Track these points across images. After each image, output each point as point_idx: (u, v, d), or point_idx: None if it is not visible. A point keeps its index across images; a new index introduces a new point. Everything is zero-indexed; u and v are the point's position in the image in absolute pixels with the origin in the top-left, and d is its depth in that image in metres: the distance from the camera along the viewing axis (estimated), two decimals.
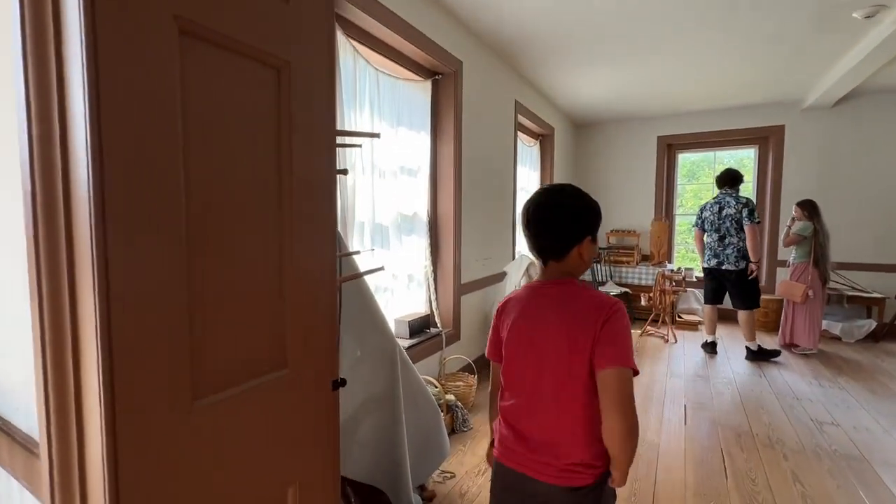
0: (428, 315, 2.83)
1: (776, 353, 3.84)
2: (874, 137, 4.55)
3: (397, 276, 2.67)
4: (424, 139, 2.82)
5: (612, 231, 5.67)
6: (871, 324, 4.36)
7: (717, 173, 3.95)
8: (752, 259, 3.76)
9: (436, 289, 3.00)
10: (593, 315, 0.92)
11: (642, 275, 5.23)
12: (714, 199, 3.93)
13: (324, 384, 0.84)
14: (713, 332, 4.09)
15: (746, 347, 3.89)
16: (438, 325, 2.96)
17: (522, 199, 4.53)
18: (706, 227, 3.92)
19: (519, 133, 4.30)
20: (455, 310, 3.05)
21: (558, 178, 5.31)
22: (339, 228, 2.16)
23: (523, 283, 3.20)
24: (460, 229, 3.06)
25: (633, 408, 0.88)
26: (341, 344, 1.77)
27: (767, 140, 5.08)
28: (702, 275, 4.10)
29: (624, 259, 5.43)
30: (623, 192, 5.80)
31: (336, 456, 0.88)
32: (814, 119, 4.79)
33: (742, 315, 3.86)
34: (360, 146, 2.02)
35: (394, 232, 2.57)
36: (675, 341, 4.38)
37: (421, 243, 2.86)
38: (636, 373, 0.90)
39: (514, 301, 1.06)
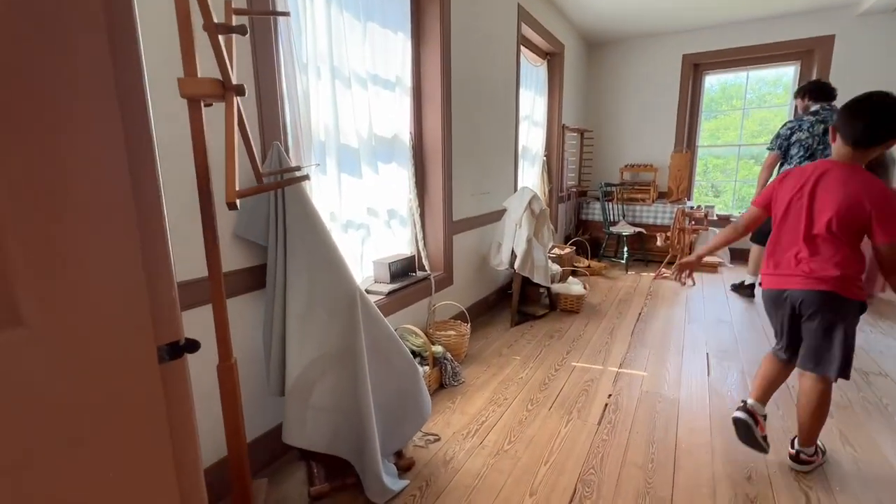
0: (413, 256, 2.44)
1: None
2: None
3: (374, 212, 2.26)
4: (403, 43, 2.29)
5: (626, 166, 5.13)
6: None
7: (804, 85, 3.04)
8: None
9: (423, 227, 2.59)
10: (875, 195, 1.29)
11: (658, 213, 4.76)
12: (811, 115, 2.92)
13: (142, 352, 0.47)
14: (756, 272, 3.53)
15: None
16: (427, 267, 2.58)
17: (526, 129, 4.00)
18: (794, 150, 2.96)
19: (523, 49, 3.69)
20: (446, 251, 2.66)
21: (569, 105, 4.71)
22: (291, 145, 1.73)
23: (525, 218, 2.78)
24: (450, 158, 2.60)
25: None
26: (288, 286, 1.39)
27: (812, 55, 4.39)
28: (725, 213, 3.63)
29: (638, 196, 4.94)
30: (640, 121, 5.20)
31: (194, 469, 0.53)
32: (872, 27, 4.07)
33: None
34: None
35: (366, 157, 2.12)
36: (693, 284, 4.00)
37: (403, 173, 2.42)
38: None
39: (800, 171, 1.45)
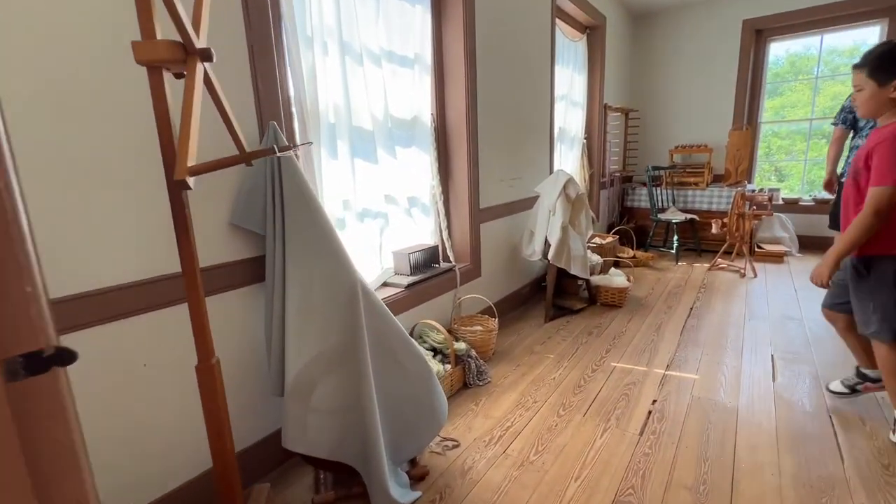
0: (436, 247, 2.29)
1: None
2: None
3: (393, 199, 2.13)
4: (422, 16, 2.12)
5: (676, 147, 4.71)
6: None
7: (869, 52, 2.67)
8: None
9: (447, 215, 2.43)
10: None
11: (713, 198, 4.33)
12: None
13: None
14: None
15: None
16: (451, 259, 2.42)
17: (563, 110, 3.73)
18: (863, 122, 2.63)
19: (558, 22, 3.41)
20: (473, 241, 2.49)
21: (611, 83, 4.36)
22: (297, 128, 1.61)
23: (560, 205, 2.55)
24: (476, 141, 2.41)
25: None
26: (287, 278, 1.28)
27: None
28: (792, 197, 3.19)
29: (691, 180, 4.51)
30: (693, 98, 4.74)
31: None
32: None
33: None
34: None
35: (383, 140, 1.99)
36: (755, 276, 3.59)
37: (424, 158, 2.26)
38: None
39: None
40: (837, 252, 1.42)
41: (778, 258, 4.01)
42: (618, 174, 4.65)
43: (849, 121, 2.67)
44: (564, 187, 2.54)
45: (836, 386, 1.82)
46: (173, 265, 1.18)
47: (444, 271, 2.30)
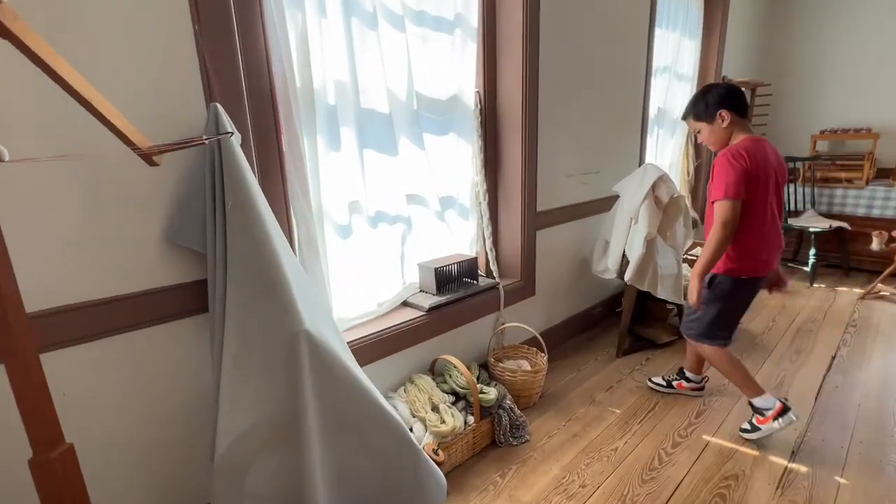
0: (474, 259, 1.84)
1: None
2: None
3: (421, 200, 1.72)
4: None
5: (822, 132, 3.62)
6: None
7: None
8: None
9: (492, 219, 1.95)
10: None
11: (876, 201, 3.24)
12: None
13: None
14: None
15: None
16: (495, 273, 1.96)
17: (664, 85, 2.99)
18: None
19: None
20: (525, 251, 1.99)
21: (734, 50, 3.44)
22: (282, 111, 1.27)
23: (646, 210, 1.93)
24: (535, 126, 1.89)
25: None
26: (227, 313, 0.96)
27: None
28: None
29: (842, 176, 3.43)
30: (851, 63, 3.58)
31: None
32: None
33: None
34: None
35: (405, 126, 1.58)
36: None
37: (465, 148, 1.81)
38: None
39: (758, 147, 1.44)
40: (700, 268, 1.46)
41: None
42: None
43: None
44: (653, 188, 1.91)
45: (657, 379, 1.87)
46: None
47: (484, 289, 1.85)
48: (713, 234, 1.40)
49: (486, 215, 1.90)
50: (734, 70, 3.52)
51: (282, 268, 0.90)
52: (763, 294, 3.03)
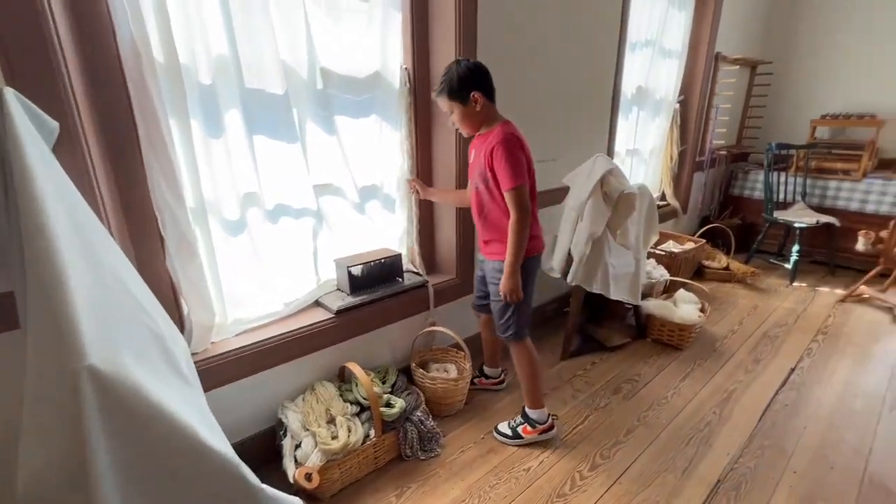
0: (397, 256, 1.69)
1: None
2: None
3: (337, 191, 1.56)
4: None
5: (823, 117, 3.33)
6: None
7: None
8: None
9: (418, 210, 1.79)
10: None
11: (871, 195, 3.01)
12: None
13: None
14: None
15: None
16: (421, 271, 1.80)
17: (646, 61, 2.74)
18: None
19: None
20: (462, 246, 1.84)
21: (731, 23, 3.12)
22: (133, 94, 1.10)
23: (591, 207, 1.75)
24: None
25: None
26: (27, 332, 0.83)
27: None
28: None
29: (838, 166, 3.18)
30: (861, 43, 3.26)
31: None
32: None
33: None
34: None
35: (311, 108, 1.40)
36: None
37: (390, 132, 1.63)
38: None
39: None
40: (513, 261, 1.36)
41: None
42: (724, 152, 3.46)
43: None
44: (601, 182, 1.72)
45: (504, 429, 1.61)
46: None
47: (410, 288, 1.71)
48: (518, 222, 1.34)
49: (417, 207, 1.74)
50: (731, 45, 3.22)
51: (64, 287, 0.76)
52: (736, 294, 2.88)
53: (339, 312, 1.51)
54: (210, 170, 1.25)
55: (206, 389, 1.17)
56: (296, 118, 1.38)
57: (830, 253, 3.10)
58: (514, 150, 1.32)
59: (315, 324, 1.48)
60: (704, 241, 2.96)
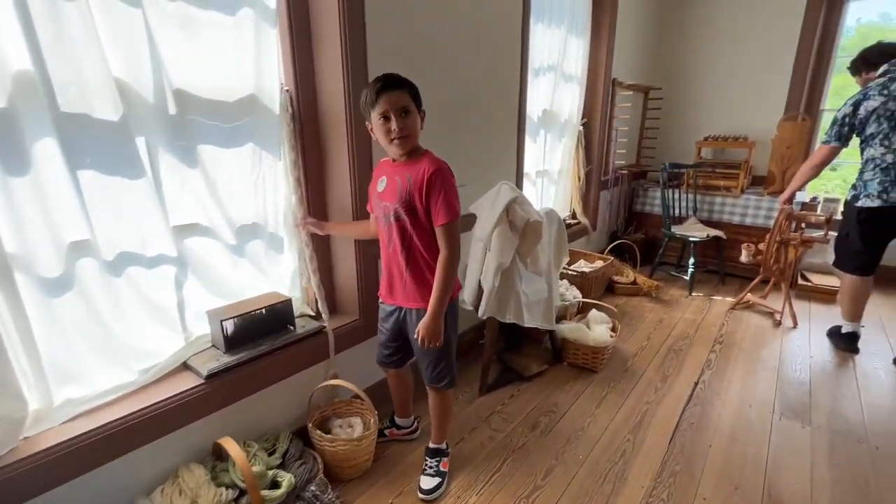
0: (287, 301, 1.48)
1: None
2: None
3: (205, 230, 1.32)
4: None
5: (705, 139, 3.66)
6: None
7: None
8: None
9: (316, 248, 1.60)
10: None
11: (749, 210, 3.33)
12: (892, 71, 2.05)
13: None
14: (859, 317, 2.33)
15: None
16: (319, 312, 1.61)
17: (548, 85, 2.79)
18: (876, 127, 2.05)
19: None
20: (364, 283, 1.67)
21: (625, 52, 3.33)
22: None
23: (498, 236, 1.68)
24: (369, 133, 1.55)
25: None
26: None
27: None
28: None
29: (721, 184, 3.50)
30: (735, 75, 3.65)
31: None
32: None
33: None
34: None
35: (162, 135, 1.17)
36: (795, 325, 2.65)
37: (273, 162, 1.43)
38: None
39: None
40: (441, 302, 1.23)
41: (829, 296, 3.02)
42: (624, 172, 3.66)
43: (844, 136, 2.16)
44: (507, 210, 1.66)
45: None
46: None
47: (305, 336, 1.51)
48: (449, 260, 1.21)
49: (310, 244, 1.54)
50: (626, 72, 3.42)
51: None
52: (643, 308, 3.02)
53: (210, 377, 1.27)
54: (13, 216, 0.97)
55: (15, 502, 0.89)
56: (142, 149, 1.14)
57: (720, 263, 3.37)
58: (452, 180, 1.22)
59: (180, 394, 1.22)
60: (612, 257, 3.07)
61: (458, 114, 1.95)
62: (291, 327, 1.50)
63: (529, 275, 1.89)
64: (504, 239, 1.67)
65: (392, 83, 1.14)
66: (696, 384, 2.05)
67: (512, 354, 2.20)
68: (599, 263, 2.89)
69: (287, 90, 1.43)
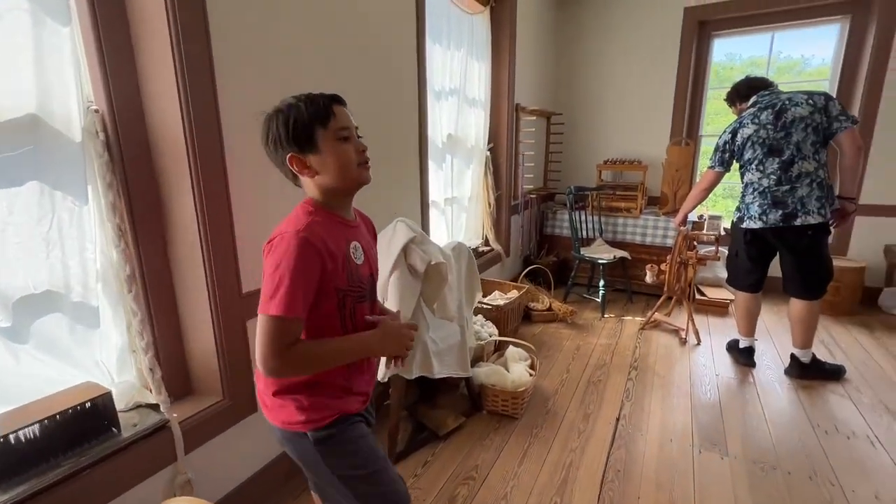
0: (106, 395, 1.08)
1: (839, 371, 2.26)
2: None
3: None
4: None
5: (605, 162, 3.80)
6: None
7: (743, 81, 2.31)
8: (849, 195, 2.10)
9: (149, 316, 1.22)
10: None
11: (647, 230, 3.46)
12: (760, 101, 2.18)
13: None
14: (753, 331, 2.45)
15: (793, 357, 2.28)
16: (161, 403, 1.22)
17: (451, 110, 2.65)
18: (752, 154, 2.17)
19: None
20: (225, 354, 1.31)
21: (527, 79, 3.34)
22: None
23: (396, 283, 1.43)
24: (220, 163, 1.23)
25: None
26: None
27: (871, 4, 3.07)
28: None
29: (621, 205, 3.62)
30: (626, 102, 3.85)
31: None
32: None
33: (806, 308, 2.20)
34: None
35: None
36: (699, 342, 2.73)
37: (76, 208, 1.05)
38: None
39: None
40: None
41: (722, 308, 3.21)
42: (532, 196, 3.66)
43: (725, 161, 2.28)
44: (405, 251, 1.42)
45: None
46: None
47: (138, 438, 1.11)
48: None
49: (138, 311, 1.16)
50: (528, 97, 3.44)
51: None
52: (560, 335, 2.96)
53: None
54: None
55: None
56: None
57: (627, 282, 3.46)
58: None
59: None
60: (527, 285, 2.97)
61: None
62: (114, 429, 1.10)
63: (438, 321, 1.66)
64: (404, 286, 1.42)
65: (339, 98, 0.85)
66: (618, 420, 1.95)
67: (426, 408, 1.94)
68: (514, 293, 2.77)
69: (96, 110, 1.06)
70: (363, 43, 1.72)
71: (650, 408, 2.04)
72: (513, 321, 2.77)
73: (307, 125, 0.80)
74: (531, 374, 2.06)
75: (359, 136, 0.87)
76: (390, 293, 1.41)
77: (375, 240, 1.03)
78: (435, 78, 2.43)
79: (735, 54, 3.82)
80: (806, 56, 3.55)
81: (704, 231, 3.40)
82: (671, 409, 2.03)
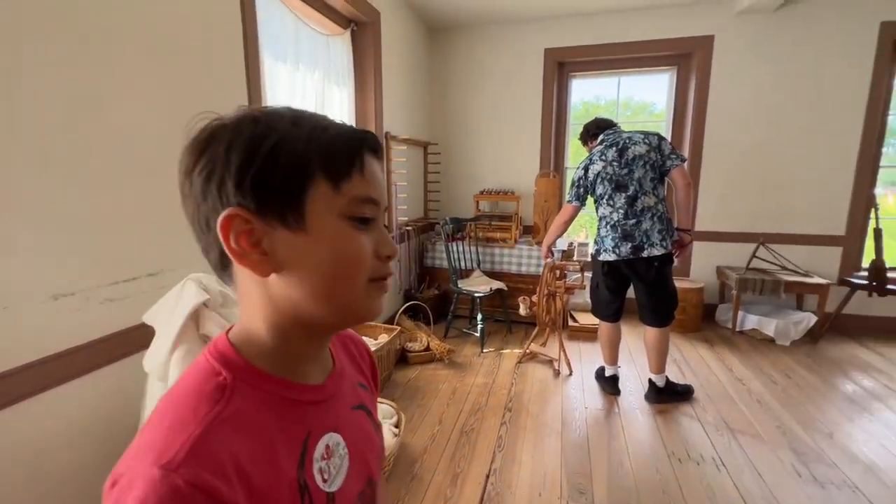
0: None
1: (689, 391, 2.43)
2: (834, 51, 3.19)
3: None
4: None
5: (481, 192, 3.81)
6: (809, 318, 3.19)
7: (595, 120, 2.44)
8: (685, 227, 2.26)
9: None
10: None
11: (522, 259, 3.50)
12: (606, 139, 2.31)
13: None
14: (616, 359, 2.53)
15: (651, 382, 2.40)
16: None
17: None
18: (602, 189, 2.27)
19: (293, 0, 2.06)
20: None
21: (398, 107, 3.21)
22: None
23: (178, 363, 1.08)
24: None
25: None
26: None
27: (690, 59, 3.54)
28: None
29: (498, 235, 3.63)
30: (498, 134, 3.94)
31: None
32: (752, 25, 3.31)
33: (658, 335, 2.33)
34: None
35: None
36: (570, 373, 2.74)
37: None
38: None
39: None
40: None
41: (592, 334, 3.32)
42: (410, 227, 3.50)
43: (581, 195, 2.37)
44: (196, 323, 1.09)
45: None
46: None
47: None
48: None
49: None
50: (400, 126, 3.30)
51: None
52: (437, 378, 2.78)
53: None
54: None
55: None
56: None
57: (505, 313, 3.44)
58: None
59: None
60: (398, 328, 2.76)
61: (145, 181, 1.32)
62: None
63: None
64: None
65: (374, 141, 0.45)
66: (488, 477, 1.78)
67: None
68: (385, 337, 2.53)
69: None
70: (152, 48, 1.38)
71: (521, 455, 1.92)
72: (387, 366, 2.52)
73: (299, 167, 0.40)
74: (395, 435, 1.82)
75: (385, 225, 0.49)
76: (171, 376, 1.06)
77: (376, 382, 0.63)
78: (281, 100, 2.15)
79: (601, 95, 4.16)
80: (646, 101, 3.99)
81: (575, 258, 3.54)
82: (542, 454, 1.94)
